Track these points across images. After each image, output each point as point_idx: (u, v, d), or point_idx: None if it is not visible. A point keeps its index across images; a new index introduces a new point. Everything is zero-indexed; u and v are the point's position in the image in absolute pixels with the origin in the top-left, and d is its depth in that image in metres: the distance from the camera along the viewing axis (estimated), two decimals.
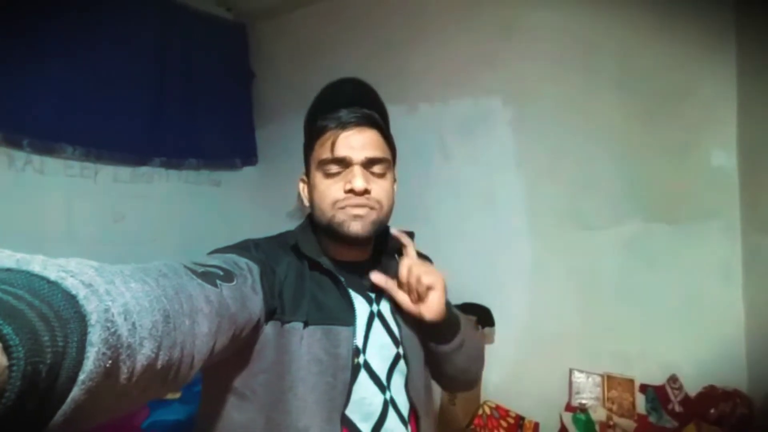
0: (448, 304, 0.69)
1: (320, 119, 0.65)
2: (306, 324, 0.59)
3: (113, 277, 0.28)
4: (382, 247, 0.74)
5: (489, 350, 1.61)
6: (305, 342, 0.58)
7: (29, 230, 1.35)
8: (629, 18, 1.41)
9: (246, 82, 2.20)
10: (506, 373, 1.63)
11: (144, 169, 1.72)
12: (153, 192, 1.76)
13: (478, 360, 0.82)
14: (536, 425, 1.51)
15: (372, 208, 0.63)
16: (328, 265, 0.64)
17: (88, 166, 1.53)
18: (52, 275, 0.24)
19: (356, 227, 0.62)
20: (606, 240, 1.48)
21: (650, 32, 1.38)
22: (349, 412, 0.60)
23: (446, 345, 0.69)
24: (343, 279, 0.64)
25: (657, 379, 1.36)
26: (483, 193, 1.70)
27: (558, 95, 1.54)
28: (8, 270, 0.23)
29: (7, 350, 0.19)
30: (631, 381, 1.40)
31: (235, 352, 0.53)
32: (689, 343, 1.34)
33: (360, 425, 0.61)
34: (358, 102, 0.65)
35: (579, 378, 1.49)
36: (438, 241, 1.76)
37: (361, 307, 0.65)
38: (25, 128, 1.30)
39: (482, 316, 1.61)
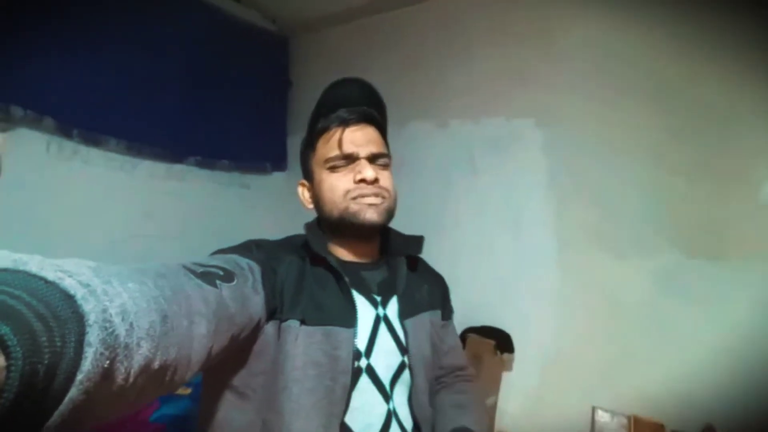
0: None
1: (323, 119, 0.66)
2: (303, 322, 0.57)
3: (110, 278, 0.28)
4: (388, 249, 0.73)
5: (507, 378, 1.57)
6: (302, 342, 0.56)
7: (66, 219, 1.41)
8: (669, 37, 1.37)
9: (283, 90, 2.27)
10: (524, 404, 1.55)
11: (179, 166, 1.78)
12: (185, 190, 1.82)
13: None
14: None
15: (383, 197, 0.64)
16: (333, 262, 0.62)
17: (129, 160, 1.60)
18: (50, 275, 0.24)
19: (372, 214, 0.62)
20: (639, 271, 1.41)
21: (693, 53, 1.34)
22: (349, 421, 0.58)
23: None
24: (347, 279, 0.62)
25: (690, 427, 1.26)
26: (509, 213, 1.66)
27: (592, 118, 1.50)
28: (5, 270, 0.23)
29: (5, 350, 0.19)
30: (661, 426, 1.30)
31: (236, 352, 0.52)
32: (729, 390, 1.23)
33: None
34: (358, 101, 0.67)
35: (603, 417, 1.40)
36: (459, 258, 1.73)
37: (366, 309, 0.63)
38: (76, 119, 1.38)
39: (501, 341, 1.55)
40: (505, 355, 1.54)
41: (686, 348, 1.31)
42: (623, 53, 1.45)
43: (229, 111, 1.95)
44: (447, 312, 0.80)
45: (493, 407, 1.53)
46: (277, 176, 2.25)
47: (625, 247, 1.43)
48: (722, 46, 1.30)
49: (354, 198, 0.62)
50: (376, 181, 0.63)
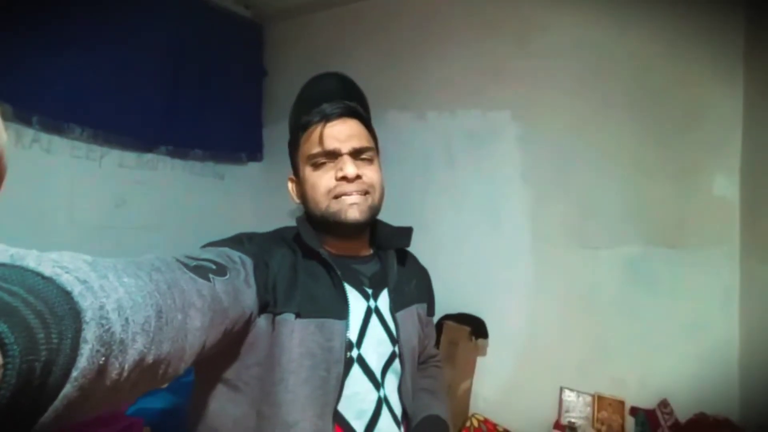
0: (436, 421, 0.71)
1: (304, 115, 0.66)
2: (298, 315, 0.58)
3: (107, 272, 0.28)
4: (377, 242, 0.74)
5: (481, 363, 1.63)
6: (297, 335, 0.57)
7: (31, 209, 1.34)
8: (641, 39, 1.43)
9: (258, 79, 2.22)
10: (497, 387, 1.62)
11: (149, 156, 1.72)
12: (157, 179, 1.76)
13: None
14: None
15: (366, 193, 0.65)
16: (326, 256, 0.63)
17: (95, 149, 1.53)
18: (47, 271, 0.24)
19: (353, 213, 0.62)
20: (606, 260, 1.48)
21: (661, 54, 1.41)
22: (342, 409, 0.59)
23: None
24: (339, 272, 0.63)
25: (649, 402, 1.35)
26: (486, 205, 1.71)
27: (566, 112, 1.55)
28: (2, 265, 0.23)
29: (2, 348, 0.19)
30: (622, 402, 1.39)
31: (229, 346, 0.53)
32: (683, 368, 1.33)
33: (353, 423, 0.60)
34: (339, 95, 0.67)
35: (569, 396, 1.48)
36: (437, 249, 1.77)
37: (357, 301, 0.65)
38: (36, 106, 1.30)
39: (476, 328, 1.60)
40: (480, 341, 1.60)
41: (647, 331, 1.40)
42: (598, 49, 1.50)
43: (201, 99, 1.89)
44: (432, 308, 0.84)
45: (468, 390, 1.59)
46: (253, 166, 2.21)
47: (596, 239, 1.50)
48: (691, 50, 1.36)
49: (336, 197, 0.63)
50: (358, 177, 0.63)
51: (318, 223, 0.66)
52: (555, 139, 1.57)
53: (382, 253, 0.73)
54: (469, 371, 1.61)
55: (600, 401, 1.42)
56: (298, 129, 0.67)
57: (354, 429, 0.59)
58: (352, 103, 0.67)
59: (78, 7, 1.36)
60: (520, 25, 1.64)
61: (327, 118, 0.64)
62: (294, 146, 0.68)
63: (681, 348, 1.34)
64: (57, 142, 1.42)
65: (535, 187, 1.62)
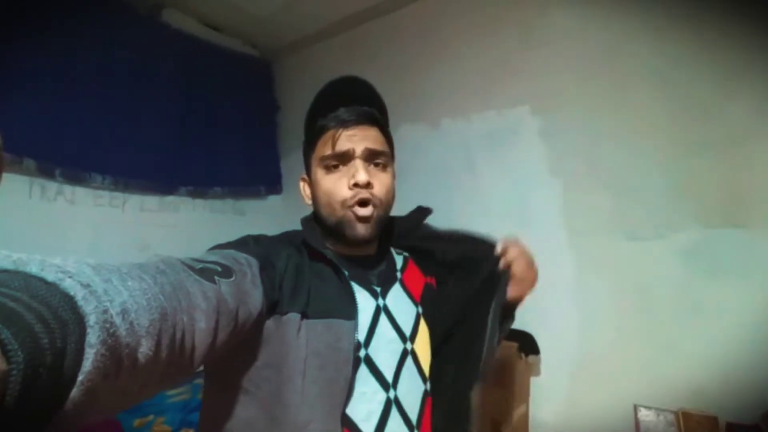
0: None
1: (320, 119, 0.65)
2: (304, 315, 0.57)
3: (110, 276, 0.28)
4: (386, 241, 0.73)
5: (536, 383, 1.44)
6: (303, 334, 0.56)
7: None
8: (657, 5, 1.32)
9: (271, 113, 2.26)
10: (557, 409, 1.42)
11: (171, 198, 1.75)
12: (179, 221, 1.78)
13: None
14: None
15: (375, 206, 0.63)
16: (331, 256, 0.62)
17: (117, 196, 1.57)
18: (50, 276, 0.24)
19: (362, 230, 0.62)
20: (659, 251, 1.31)
21: (685, 17, 1.28)
22: (350, 411, 0.58)
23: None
24: (346, 272, 0.62)
25: (747, 416, 1.12)
26: (515, 208, 1.59)
27: (590, 96, 1.44)
28: (6, 271, 0.23)
29: (6, 354, 0.19)
30: (714, 419, 1.17)
31: (241, 348, 0.53)
32: None
33: (361, 425, 0.58)
34: (356, 100, 0.66)
35: (647, 416, 1.27)
36: None
37: (366, 300, 0.63)
38: (58, 158, 1.35)
39: (524, 342, 1.44)
40: (531, 357, 1.43)
41: (728, 328, 1.19)
42: (608, 24, 1.41)
43: (217, 138, 1.93)
44: None
45: (525, 416, 1.40)
46: (273, 200, 2.21)
47: (643, 228, 1.34)
48: (722, 5, 1.24)
49: (350, 206, 0.62)
50: (369, 184, 0.62)
51: (328, 228, 0.66)
52: (581, 125, 1.46)
53: (388, 252, 0.72)
54: (524, 394, 1.43)
55: (686, 419, 1.20)
56: (314, 133, 0.67)
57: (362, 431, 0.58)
58: (370, 108, 0.66)
59: (90, 61, 1.44)
60: (522, 14, 1.58)
61: (343, 124, 0.63)
62: (309, 148, 0.68)
63: None
64: (80, 192, 1.46)
65: (564, 180, 1.49)
